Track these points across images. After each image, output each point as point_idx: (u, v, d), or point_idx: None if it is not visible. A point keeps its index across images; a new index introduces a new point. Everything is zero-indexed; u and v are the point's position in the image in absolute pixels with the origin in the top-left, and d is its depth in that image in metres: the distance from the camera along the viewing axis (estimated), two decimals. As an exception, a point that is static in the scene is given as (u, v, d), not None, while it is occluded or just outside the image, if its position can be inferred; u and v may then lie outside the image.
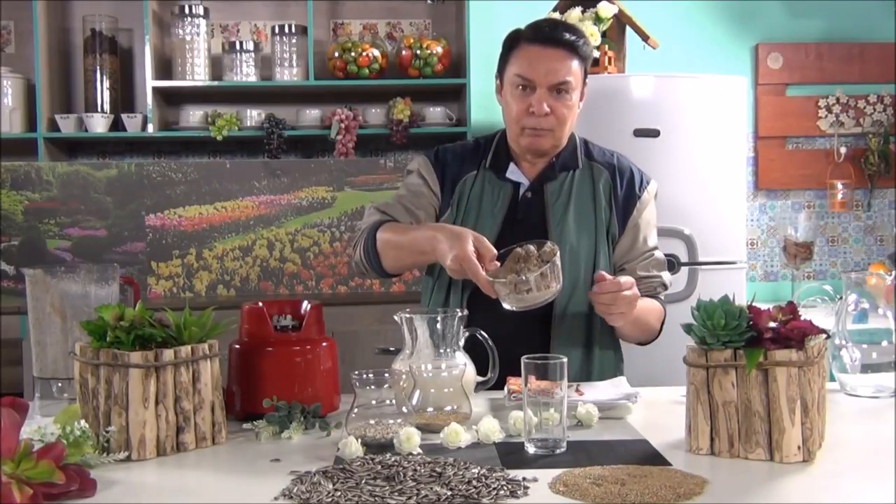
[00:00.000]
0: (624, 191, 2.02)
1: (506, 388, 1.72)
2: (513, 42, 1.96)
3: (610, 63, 3.39)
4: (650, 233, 2.05)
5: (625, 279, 1.79)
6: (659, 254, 2.05)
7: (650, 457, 1.39)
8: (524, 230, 1.91)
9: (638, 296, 1.80)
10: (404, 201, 2.03)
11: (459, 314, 1.64)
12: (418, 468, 1.28)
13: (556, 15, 3.36)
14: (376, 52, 3.89)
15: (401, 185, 2.11)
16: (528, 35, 1.94)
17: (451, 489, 1.20)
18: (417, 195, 2.03)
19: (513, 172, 2.01)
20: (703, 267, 3.29)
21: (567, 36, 1.91)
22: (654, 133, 3.23)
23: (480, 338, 1.71)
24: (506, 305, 1.68)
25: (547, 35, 1.92)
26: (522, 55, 1.93)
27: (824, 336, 1.43)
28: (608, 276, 1.79)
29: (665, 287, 2.05)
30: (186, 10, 3.86)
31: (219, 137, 3.83)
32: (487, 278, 1.66)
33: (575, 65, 1.92)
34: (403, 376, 1.53)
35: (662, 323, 2.03)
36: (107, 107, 3.89)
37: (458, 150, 2.08)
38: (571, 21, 3.27)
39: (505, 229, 1.95)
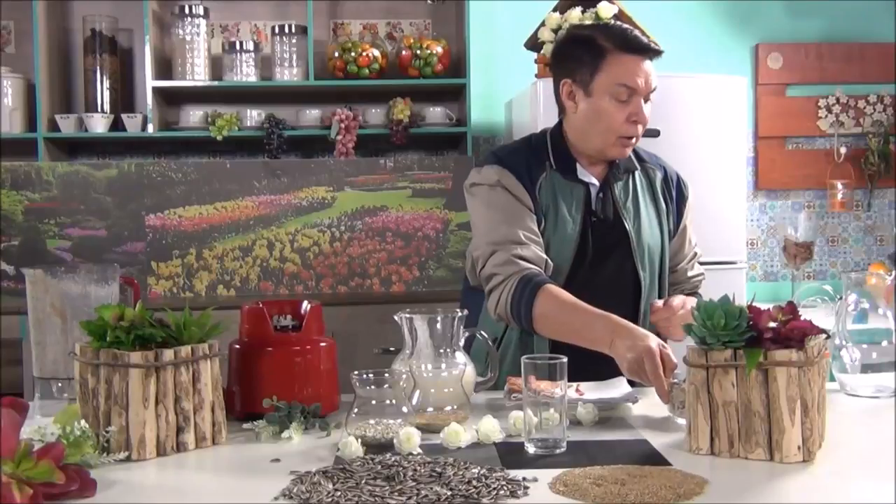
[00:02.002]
0: (676, 193, 2.11)
1: (506, 388, 1.72)
2: (598, 50, 1.93)
3: (610, 63, 3.39)
4: (693, 233, 2.17)
5: (677, 301, 1.86)
6: (698, 250, 2.18)
7: (650, 457, 1.39)
8: (603, 229, 1.97)
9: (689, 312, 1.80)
10: (527, 234, 1.91)
11: (459, 314, 1.64)
12: (418, 468, 1.28)
13: (557, 15, 3.36)
14: (376, 52, 3.89)
15: (488, 203, 1.96)
16: (619, 44, 1.92)
17: (451, 489, 1.20)
18: (523, 217, 1.93)
19: (583, 173, 2.00)
20: (703, 267, 3.29)
21: (654, 45, 1.96)
22: (654, 133, 3.23)
23: (481, 338, 1.71)
24: (669, 411, 1.63)
25: (639, 45, 1.93)
26: (619, 64, 1.91)
27: (824, 336, 1.43)
28: (658, 303, 1.87)
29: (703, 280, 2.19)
30: (186, 10, 3.86)
31: (219, 137, 3.83)
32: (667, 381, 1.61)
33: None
34: (403, 376, 1.53)
35: None
36: (107, 107, 3.89)
37: (520, 153, 2.03)
38: (571, 21, 3.27)
39: (584, 230, 1.96)
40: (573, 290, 1.86)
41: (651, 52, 1.95)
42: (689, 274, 2.14)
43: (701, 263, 2.21)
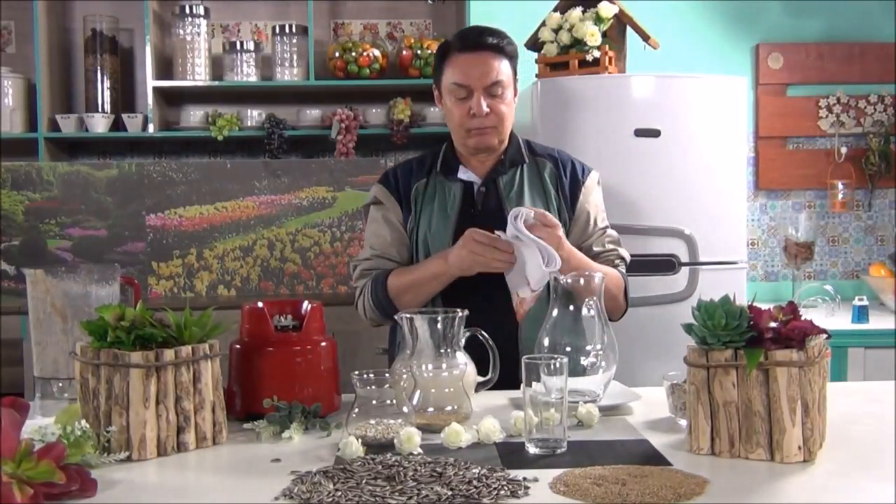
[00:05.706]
0: (569, 179, 2.16)
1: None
2: (444, 54, 2.11)
3: (610, 63, 3.39)
4: (599, 215, 2.18)
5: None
6: (612, 232, 2.18)
7: (650, 457, 1.39)
8: (484, 220, 2.04)
9: (560, 236, 1.89)
10: (376, 252, 2.14)
11: (460, 314, 1.64)
12: (419, 468, 1.28)
13: (557, 15, 3.36)
14: (377, 52, 3.89)
15: (370, 219, 2.20)
16: (456, 45, 2.09)
17: (451, 489, 1.20)
18: (385, 235, 2.14)
19: (463, 173, 2.15)
20: (704, 267, 3.29)
21: (491, 40, 2.07)
22: (654, 133, 3.23)
23: (481, 338, 1.71)
24: (670, 411, 1.64)
25: (474, 42, 2.07)
26: (455, 64, 2.07)
27: (825, 336, 1.43)
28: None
29: (623, 260, 2.16)
30: (187, 10, 3.86)
31: (219, 137, 3.83)
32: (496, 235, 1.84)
33: (504, 65, 2.07)
34: (404, 376, 1.54)
35: (626, 294, 2.12)
36: (107, 107, 3.89)
37: (406, 165, 2.22)
38: (572, 21, 3.28)
39: (463, 222, 2.06)
40: (455, 280, 1.99)
41: (486, 47, 2.04)
42: (597, 250, 2.12)
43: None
